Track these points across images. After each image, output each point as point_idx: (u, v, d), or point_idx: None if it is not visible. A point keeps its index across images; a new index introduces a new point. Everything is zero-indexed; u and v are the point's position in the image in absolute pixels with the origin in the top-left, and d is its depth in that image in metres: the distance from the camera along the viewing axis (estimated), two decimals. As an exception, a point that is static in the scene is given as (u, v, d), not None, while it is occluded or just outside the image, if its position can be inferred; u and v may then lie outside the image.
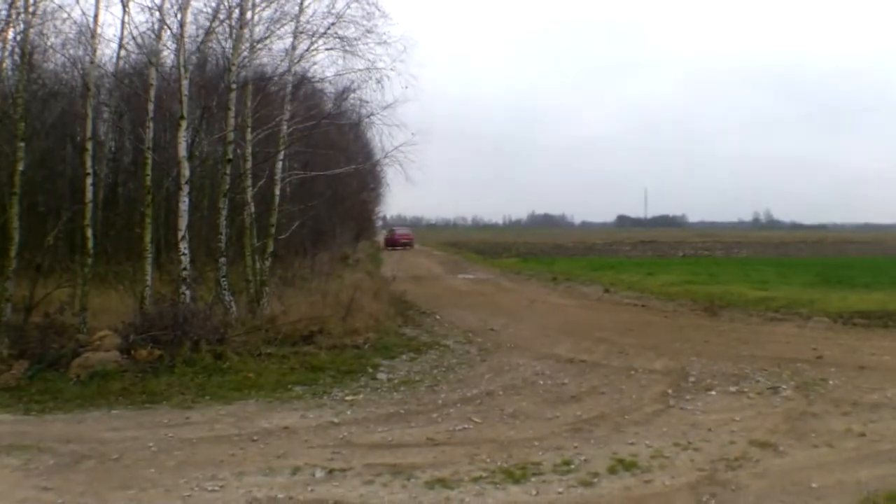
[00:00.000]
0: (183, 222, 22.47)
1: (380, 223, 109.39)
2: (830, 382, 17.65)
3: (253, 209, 25.53)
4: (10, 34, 24.01)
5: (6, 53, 24.83)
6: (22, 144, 22.09)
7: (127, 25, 24.15)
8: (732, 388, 17.33)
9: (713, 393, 17.00)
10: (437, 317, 29.42)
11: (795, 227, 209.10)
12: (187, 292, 22.05)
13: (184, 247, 22.39)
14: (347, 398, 16.56)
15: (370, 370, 19.23)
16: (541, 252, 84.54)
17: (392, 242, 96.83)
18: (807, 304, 30.15)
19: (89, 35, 23.79)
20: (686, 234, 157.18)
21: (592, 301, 36.70)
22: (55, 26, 25.07)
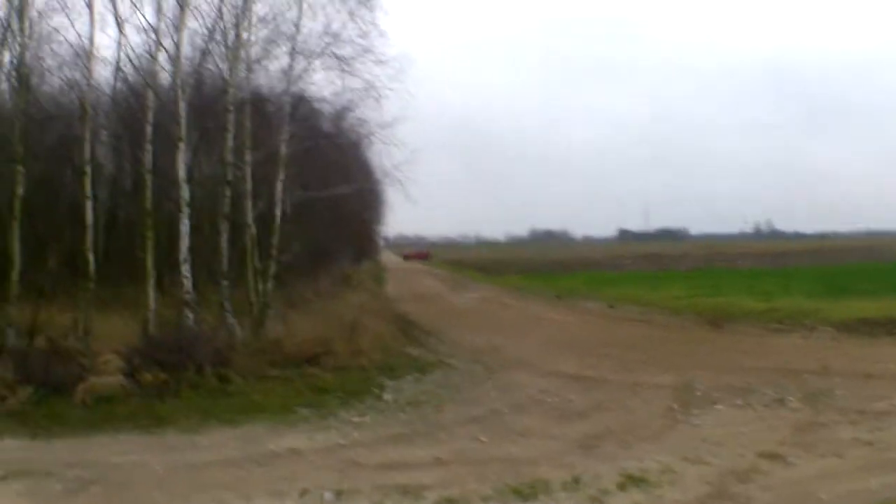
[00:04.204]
0: (184, 245, 22.41)
1: (382, 243, 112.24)
2: (837, 392, 17.63)
3: (254, 230, 25.42)
4: (6, 58, 23.89)
5: (2, 77, 24.65)
6: (20, 168, 22.04)
7: (123, 47, 24.17)
8: (739, 401, 17.32)
9: (720, 406, 16.99)
10: (442, 336, 29.34)
11: (797, 236, 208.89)
12: (190, 315, 21.98)
13: (185, 269, 22.32)
14: (354, 419, 16.44)
15: (376, 391, 19.08)
16: (543, 268, 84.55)
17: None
18: (811, 314, 30.14)
19: (85, 57, 23.70)
20: (688, 247, 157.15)
21: (596, 317, 36.69)
22: (51, 49, 24.89)
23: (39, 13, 23.67)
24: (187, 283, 22.19)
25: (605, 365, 22.62)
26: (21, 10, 22.83)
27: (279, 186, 26.48)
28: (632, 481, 11.68)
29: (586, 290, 49.70)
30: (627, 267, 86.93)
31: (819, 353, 22.82)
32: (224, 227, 24.39)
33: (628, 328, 31.67)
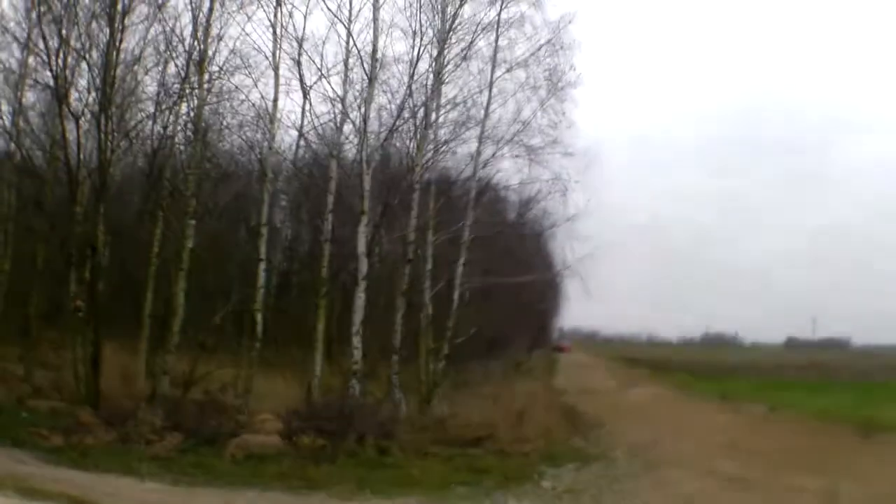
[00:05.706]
0: (357, 317, 22.53)
1: (556, 334, 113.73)
2: None
3: (430, 310, 25.52)
4: (184, 108, 24.30)
5: (178, 128, 25.08)
6: (192, 222, 22.44)
7: (307, 114, 24.52)
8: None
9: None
10: (606, 429, 28.95)
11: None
12: (357, 386, 22.05)
13: (357, 341, 22.42)
14: (510, 503, 16.23)
15: (535, 477, 18.70)
16: (711, 370, 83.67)
17: (558, 349, 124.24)
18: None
19: (268, 119, 24.07)
20: (852, 357, 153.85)
21: (756, 420, 36.08)
22: (232, 106, 25.10)
23: (220, 68, 24.00)
24: (357, 354, 22.30)
25: (759, 467, 22.15)
26: (200, 64, 23.27)
27: (459, 269, 26.50)
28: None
29: (750, 393, 49.02)
30: (792, 374, 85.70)
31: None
32: (400, 304, 24.53)
33: (785, 433, 31.04)
